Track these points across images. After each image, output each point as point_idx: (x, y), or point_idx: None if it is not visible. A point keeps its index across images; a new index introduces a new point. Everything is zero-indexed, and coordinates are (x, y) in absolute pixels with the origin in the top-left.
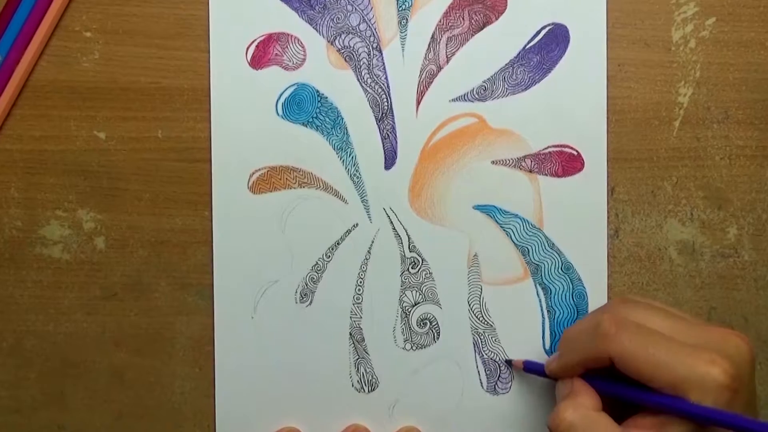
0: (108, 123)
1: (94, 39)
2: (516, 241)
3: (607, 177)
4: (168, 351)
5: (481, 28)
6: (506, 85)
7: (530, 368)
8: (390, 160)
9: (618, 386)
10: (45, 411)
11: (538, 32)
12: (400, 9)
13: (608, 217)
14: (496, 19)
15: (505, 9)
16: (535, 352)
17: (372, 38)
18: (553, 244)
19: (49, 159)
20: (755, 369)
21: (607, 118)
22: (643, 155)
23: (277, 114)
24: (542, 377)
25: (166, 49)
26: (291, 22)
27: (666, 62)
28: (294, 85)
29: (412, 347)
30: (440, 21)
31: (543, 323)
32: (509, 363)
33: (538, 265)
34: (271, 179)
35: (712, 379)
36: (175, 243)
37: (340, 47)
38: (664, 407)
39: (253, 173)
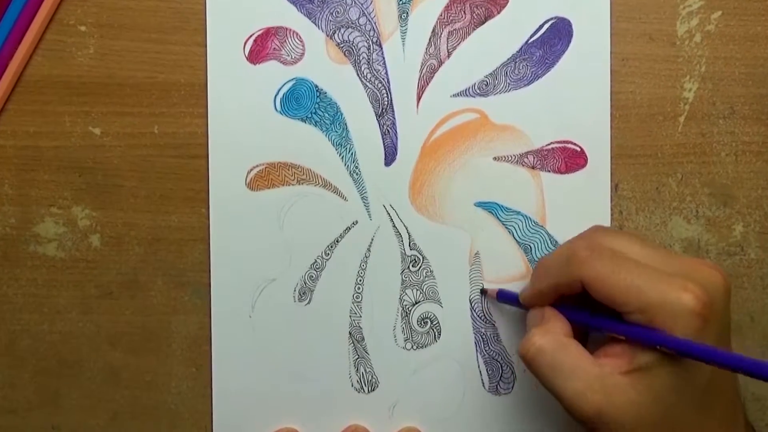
0: (103, 118)
1: (89, 33)
2: (518, 239)
3: (611, 173)
4: (164, 350)
5: (483, 22)
6: (508, 80)
7: (504, 297)
8: (390, 156)
9: (589, 315)
10: (39, 411)
11: (541, 26)
12: (401, 3)
13: (612, 214)
14: (498, 12)
15: (507, 2)
16: None
17: (372, 32)
18: (556, 241)
19: (43, 155)
20: (729, 302)
21: (611, 113)
22: (648, 151)
23: (276, 109)
24: (516, 307)
25: (163, 43)
26: (289, 16)
27: (671, 57)
28: (292, 80)
29: (412, 347)
30: (441, 15)
31: None
32: (483, 292)
33: None
34: (269, 176)
35: (682, 305)
36: (172, 241)
37: (339, 41)
38: (634, 336)
39: (251, 170)
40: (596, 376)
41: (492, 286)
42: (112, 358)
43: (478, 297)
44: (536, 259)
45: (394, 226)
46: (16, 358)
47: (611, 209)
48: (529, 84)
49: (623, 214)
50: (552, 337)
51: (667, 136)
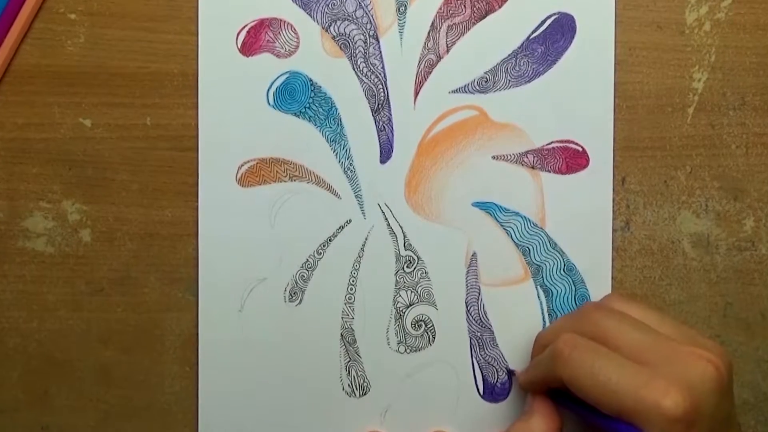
0: (94, 109)
1: (79, 21)
2: (516, 241)
3: (618, 166)
4: (157, 349)
5: (484, 17)
6: (509, 77)
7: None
8: (386, 153)
9: (580, 407)
10: (28, 411)
11: (543, 21)
12: None
13: (619, 209)
14: (499, 7)
15: None
16: None
17: (369, 25)
18: (555, 244)
19: (32, 147)
20: (727, 393)
21: (618, 104)
22: (656, 143)
23: (268, 103)
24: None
25: (155, 32)
26: (284, 7)
27: (680, 46)
28: (286, 73)
29: (406, 350)
30: (441, 8)
31: (544, 327)
32: (512, 373)
33: (539, 266)
34: (260, 172)
35: (661, 413)
36: (165, 236)
37: (335, 34)
38: None
39: (242, 165)
40: None
41: (516, 365)
42: (103, 357)
43: (474, 300)
44: (535, 261)
45: (389, 225)
46: (4, 357)
47: (618, 203)
48: (530, 81)
49: (630, 209)
50: None
51: (675, 127)
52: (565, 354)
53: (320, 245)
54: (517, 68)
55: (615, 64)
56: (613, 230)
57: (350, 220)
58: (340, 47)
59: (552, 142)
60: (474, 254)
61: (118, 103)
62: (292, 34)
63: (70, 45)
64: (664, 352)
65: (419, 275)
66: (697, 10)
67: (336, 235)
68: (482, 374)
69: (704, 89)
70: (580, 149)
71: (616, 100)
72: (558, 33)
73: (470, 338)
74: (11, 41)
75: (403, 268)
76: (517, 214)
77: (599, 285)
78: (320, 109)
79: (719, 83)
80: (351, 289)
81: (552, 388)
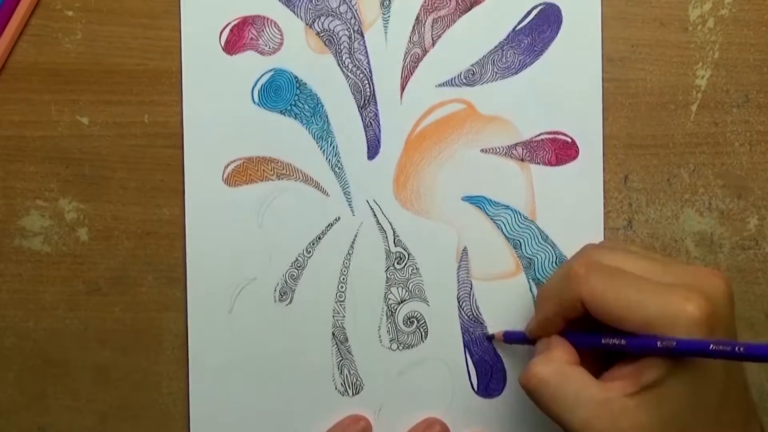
0: (91, 107)
1: (76, 18)
2: (507, 234)
3: (621, 164)
4: (155, 349)
5: (469, 9)
6: (495, 69)
7: (511, 338)
8: (373, 149)
9: (597, 337)
10: (25, 412)
11: (529, 12)
12: None
13: (621, 207)
14: None
15: None
16: (528, 350)
17: (353, 21)
18: (546, 236)
19: (28, 145)
20: (734, 309)
21: (621, 102)
22: (659, 141)
23: (253, 102)
24: (526, 345)
25: (153, 29)
26: (267, 4)
27: (683, 43)
28: (271, 71)
29: (398, 347)
30: (425, 1)
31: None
32: (490, 338)
33: (530, 259)
34: (247, 171)
35: (686, 316)
36: (163, 234)
37: (319, 30)
38: (638, 349)
39: (228, 165)
40: (601, 402)
41: (498, 330)
42: (100, 357)
43: (466, 295)
44: (526, 255)
45: (378, 222)
46: (0, 357)
47: (621, 202)
48: (517, 73)
49: (633, 207)
50: (554, 366)
51: (678, 125)
52: (581, 274)
53: (309, 244)
54: (503, 60)
55: (604, 58)
56: (616, 229)
57: (339, 218)
58: (325, 43)
59: (541, 134)
60: (465, 249)
61: (115, 100)
62: (276, 31)
63: (67, 42)
64: (672, 273)
65: (410, 271)
66: (700, 7)
67: (325, 233)
68: (476, 370)
69: (707, 86)
70: (569, 140)
71: (619, 98)
72: (544, 23)
73: (463, 334)
74: (8, 38)
75: (393, 264)
76: (507, 207)
77: None
78: (306, 107)
79: (723, 80)
80: (341, 287)
81: (567, 321)
